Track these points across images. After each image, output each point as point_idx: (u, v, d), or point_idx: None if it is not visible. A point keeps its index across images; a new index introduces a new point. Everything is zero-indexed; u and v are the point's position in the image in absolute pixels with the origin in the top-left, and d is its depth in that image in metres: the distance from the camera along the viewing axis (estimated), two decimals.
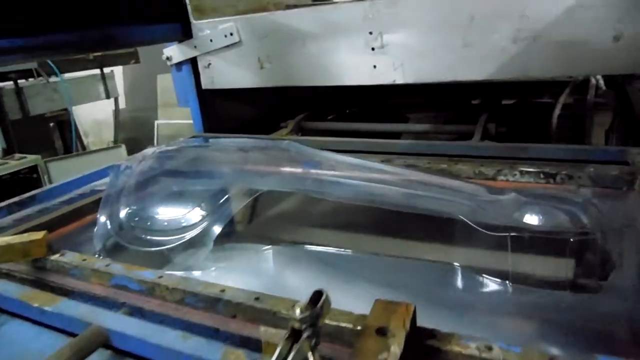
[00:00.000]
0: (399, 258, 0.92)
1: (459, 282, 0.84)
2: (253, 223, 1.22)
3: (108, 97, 4.09)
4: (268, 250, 0.99)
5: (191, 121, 5.50)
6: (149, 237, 1.01)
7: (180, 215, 1.06)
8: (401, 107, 2.20)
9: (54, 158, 3.40)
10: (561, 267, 0.78)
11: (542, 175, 1.15)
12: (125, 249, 1.04)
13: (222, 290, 0.76)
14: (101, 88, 3.93)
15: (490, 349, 0.57)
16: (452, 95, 2.19)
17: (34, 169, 2.83)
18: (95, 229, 1.06)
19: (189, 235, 1.01)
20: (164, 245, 1.00)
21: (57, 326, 0.78)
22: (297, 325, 0.51)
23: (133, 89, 5.56)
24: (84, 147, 4.68)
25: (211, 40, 1.83)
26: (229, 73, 1.84)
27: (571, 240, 0.76)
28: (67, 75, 3.49)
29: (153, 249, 0.99)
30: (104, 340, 0.71)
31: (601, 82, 2.14)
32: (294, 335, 0.51)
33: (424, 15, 1.44)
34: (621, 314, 0.71)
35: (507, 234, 0.78)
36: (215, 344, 0.66)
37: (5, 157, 2.85)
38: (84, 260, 0.92)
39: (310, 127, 1.92)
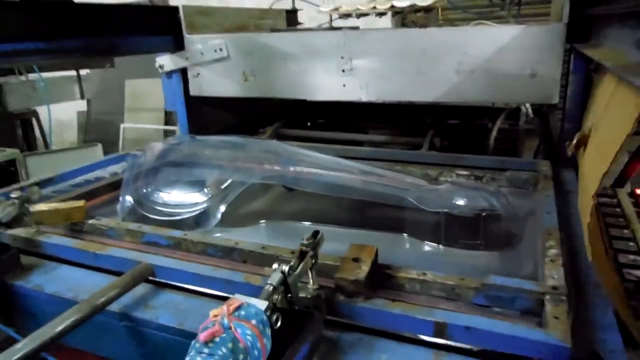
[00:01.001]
0: (363, 230, 1.22)
1: (407, 245, 1.16)
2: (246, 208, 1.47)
3: (82, 97, 4.23)
4: (262, 224, 1.27)
5: (157, 126, 5.64)
6: (165, 209, 1.27)
7: (189, 194, 1.32)
8: (364, 121, 2.53)
9: (33, 153, 3.50)
10: (477, 234, 1.10)
11: (472, 177, 1.48)
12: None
13: (236, 243, 1.03)
14: (76, 89, 4.07)
15: (424, 274, 0.88)
16: (408, 114, 2.54)
17: (11, 162, 2.96)
18: (119, 204, 1.30)
19: (197, 210, 1.27)
20: (177, 216, 1.25)
21: (106, 268, 1.03)
22: (303, 248, 0.80)
23: (100, 91, 5.66)
24: (46, 146, 4.75)
25: (202, 54, 2.08)
26: (216, 83, 2.09)
27: (484, 215, 1.09)
28: (45, 74, 3.63)
29: (168, 218, 1.25)
30: (150, 274, 0.96)
31: (530, 110, 2.55)
32: (301, 255, 0.80)
33: (386, 46, 1.77)
34: (512, 268, 1.04)
35: (441, 210, 1.10)
36: (236, 274, 0.93)
37: None
38: (118, 223, 1.16)
39: (286, 134, 2.20)
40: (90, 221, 1.18)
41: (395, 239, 1.19)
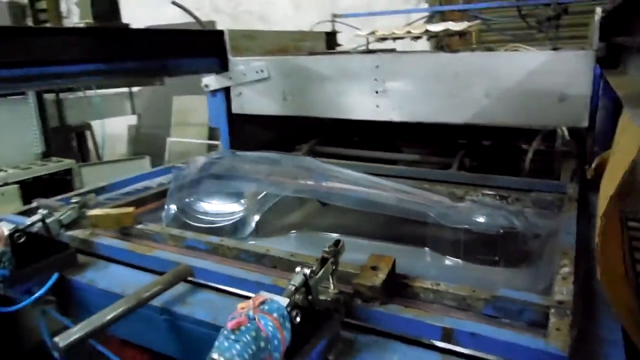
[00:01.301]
0: (388, 243, 1.29)
1: (428, 259, 1.22)
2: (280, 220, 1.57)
3: (134, 112, 4.51)
4: (293, 234, 1.36)
5: (201, 140, 5.86)
6: (204, 217, 1.38)
7: (227, 206, 1.43)
8: (399, 140, 2.59)
9: (87, 163, 3.76)
10: (495, 251, 1.15)
11: (497, 197, 1.53)
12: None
13: (267, 250, 1.12)
14: (128, 104, 4.35)
15: (438, 284, 0.94)
16: (442, 134, 2.59)
17: (68, 171, 3.20)
18: (164, 211, 1.43)
19: (233, 219, 1.38)
20: (216, 224, 1.36)
21: (151, 268, 1.14)
22: (325, 255, 0.88)
23: (149, 107, 5.97)
24: (99, 157, 5.06)
25: (244, 74, 2.22)
26: (257, 102, 2.22)
27: (502, 232, 1.14)
28: (100, 91, 3.90)
29: (206, 225, 1.36)
30: (189, 274, 1.07)
31: (566, 132, 2.55)
32: (323, 261, 0.88)
33: (419, 69, 1.84)
34: (528, 284, 1.08)
35: (462, 226, 1.16)
36: (266, 277, 1.02)
37: (44, 159, 3.22)
38: (162, 228, 1.28)
39: (321, 151, 2.30)
40: (138, 226, 1.30)
41: (417, 252, 1.26)
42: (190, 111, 5.71)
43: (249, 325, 0.69)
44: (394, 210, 1.26)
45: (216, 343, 0.68)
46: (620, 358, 0.82)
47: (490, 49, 3.00)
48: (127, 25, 3.33)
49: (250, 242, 1.30)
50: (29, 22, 3.38)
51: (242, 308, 0.72)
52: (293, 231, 1.42)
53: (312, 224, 1.53)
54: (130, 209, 1.31)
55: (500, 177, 1.69)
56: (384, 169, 1.92)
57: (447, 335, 0.81)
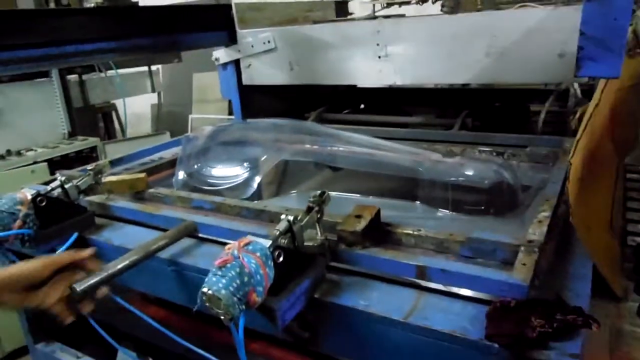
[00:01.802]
0: (383, 198, 1.37)
1: (419, 210, 1.29)
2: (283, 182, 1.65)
3: (154, 90, 4.63)
4: (294, 193, 1.45)
5: (222, 116, 5.96)
6: (211, 181, 1.47)
7: (231, 169, 1.52)
8: (407, 106, 2.63)
9: (110, 141, 3.92)
10: (482, 201, 1.21)
11: (494, 154, 1.57)
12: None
13: (265, 206, 1.21)
14: (148, 83, 4.47)
15: (419, 230, 1.01)
16: (452, 98, 2.61)
17: (93, 149, 3.35)
18: (174, 177, 1.53)
19: (236, 182, 1.47)
20: (221, 186, 1.46)
21: (160, 226, 1.24)
22: (310, 204, 0.96)
23: (171, 85, 6.10)
24: (124, 135, 5.23)
25: (252, 46, 2.28)
26: (265, 73, 2.28)
27: (489, 184, 1.19)
28: (120, 70, 4.02)
29: (213, 188, 1.45)
30: (194, 230, 1.16)
31: (578, 91, 2.52)
32: (308, 210, 0.96)
33: (418, 32, 1.87)
34: (514, 231, 1.13)
35: (450, 180, 1.22)
36: (262, 229, 1.11)
37: (70, 138, 3.38)
38: (172, 192, 1.38)
39: (329, 118, 2.36)
40: (150, 190, 1.40)
41: (410, 206, 1.32)
42: (210, 87, 5.81)
43: (234, 262, 0.77)
44: (386, 167, 1.32)
45: (206, 279, 0.77)
46: (586, 290, 0.87)
47: (499, 9, 2.97)
48: (135, 3, 3.40)
49: (254, 202, 1.39)
50: (52, 5, 3.49)
51: (229, 249, 0.80)
52: (293, 191, 1.50)
53: (320, 187, 1.61)
54: (143, 175, 1.42)
55: (499, 135, 1.72)
56: (388, 132, 1.97)
57: (421, 272, 0.88)
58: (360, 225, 0.97)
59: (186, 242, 1.17)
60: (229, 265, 0.77)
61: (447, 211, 1.27)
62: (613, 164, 1.52)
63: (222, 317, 0.76)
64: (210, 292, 0.75)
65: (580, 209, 0.99)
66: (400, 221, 1.08)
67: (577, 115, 1.27)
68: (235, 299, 0.75)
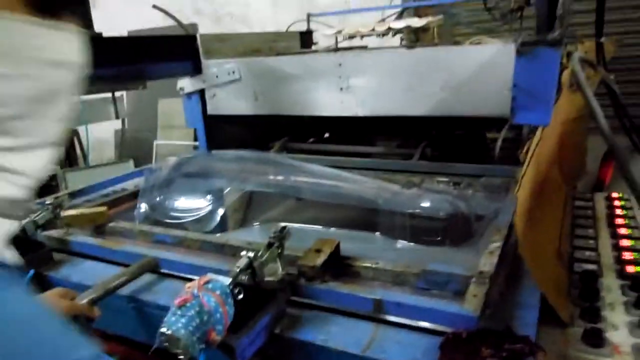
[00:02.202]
0: (344, 230, 1.40)
1: (379, 241, 1.33)
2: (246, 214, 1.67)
3: (117, 117, 4.58)
4: (256, 225, 1.46)
5: (188, 142, 5.92)
6: (173, 214, 1.47)
7: (194, 202, 1.52)
8: (371, 135, 2.69)
9: (72, 169, 3.85)
10: (438, 232, 1.26)
11: (451, 184, 1.63)
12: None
13: (227, 240, 1.22)
14: (112, 109, 4.43)
15: (377, 263, 1.04)
16: (415, 126, 2.68)
17: (53, 177, 3.29)
18: (136, 210, 1.52)
19: (199, 214, 1.47)
20: (184, 219, 1.46)
21: (121, 261, 1.23)
22: (271, 239, 0.98)
23: (135, 111, 6.04)
24: (86, 162, 5.13)
25: (217, 77, 2.31)
26: (230, 103, 2.30)
27: (444, 215, 1.24)
28: (84, 97, 3.98)
29: (175, 221, 1.45)
30: (155, 266, 1.16)
31: None
32: (268, 246, 0.98)
33: (379, 65, 1.94)
34: (469, 259, 1.18)
35: (407, 211, 1.26)
36: (224, 264, 1.12)
37: None
38: (133, 225, 1.38)
39: (293, 148, 2.40)
40: (111, 224, 1.39)
41: (369, 237, 1.36)
42: (176, 114, 5.78)
43: (193, 301, 0.78)
44: (346, 199, 1.36)
45: (165, 318, 0.78)
46: (533, 319, 0.92)
47: (456, 42, 3.10)
48: (100, 34, 3.39)
49: (217, 235, 1.40)
50: None
51: (189, 287, 0.81)
52: (258, 221, 1.51)
53: (284, 218, 1.63)
54: (103, 208, 1.41)
55: (456, 165, 1.79)
56: (351, 161, 2.02)
57: (377, 306, 0.91)
58: (320, 259, 1.00)
59: (147, 277, 1.17)
60: (188, 304, 0.78)
61: (406, 242, 1.31)
62: (562, 194, 1.60)
63: (181, 357, 0.76)
64: (169, 332, 0.76)
65: (529, 239, 1.04)
66: (361, 253, 1.12)
67: (525, 149, 1.34)
68: (194, 338, 0.76)
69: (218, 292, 0.81)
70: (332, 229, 1.42)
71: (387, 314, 0.91)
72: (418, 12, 4.20)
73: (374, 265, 1.03)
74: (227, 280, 0.84)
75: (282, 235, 0.99)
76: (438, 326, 0.88)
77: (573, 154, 1.92)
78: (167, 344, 0.76)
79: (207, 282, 0.82)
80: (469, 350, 0.80)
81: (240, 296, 0.85)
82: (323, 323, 0.94)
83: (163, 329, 0.76)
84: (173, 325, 0.76)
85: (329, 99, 2.06)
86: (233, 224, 1.50)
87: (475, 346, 0.80)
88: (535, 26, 1.04)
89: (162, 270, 1.18)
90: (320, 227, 1.44)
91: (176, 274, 1.16)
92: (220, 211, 1.47)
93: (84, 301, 0.98)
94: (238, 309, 0.84)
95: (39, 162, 0.57)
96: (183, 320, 0.76)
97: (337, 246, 1.06)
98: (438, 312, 0.86)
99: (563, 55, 1.12)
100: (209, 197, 1.50)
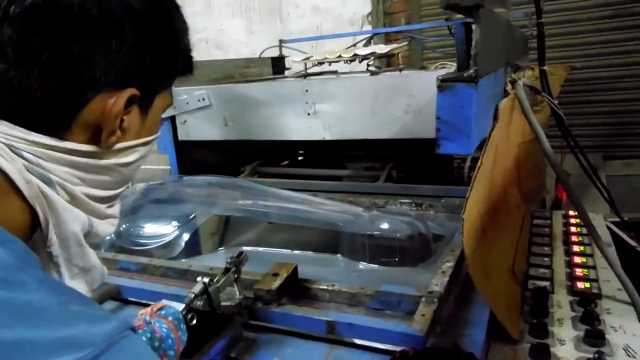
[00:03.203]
0: (307, 252, 1.43)
1: (342, 263, 1.36)
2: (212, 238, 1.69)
3: None
4: (221, 250, 1.48)
5: (163, 167, 5.90)
6: (139, 240, 1.49)
7: (160, 228, 1.54)
8: (340, 158, 2.75)
9: None
10: (395, 253, 1.30)
11: (413, 205, 1.68)
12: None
13: (190, 265, 1.24)
14: None
15: (333, 285, 1.07)
16: (381, 149, 2.75)
17: None
18: None
19: (165, 240, 1.49)
20: (149, 246, 1.47)
21: None
22: (227, 265, 1.00)
23: None
24: None
25: (187, 103, 2.34)
26: (201, 128, 2.33)
27: (401, 236, 1.28)
28: None
29: (141, 248, 1.46)
30: (117, 293, 1.17)
31: None
32: (225, 271, 1.00)
33: (344, 91, 2.00)
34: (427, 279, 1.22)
35: (366, 233, 1.30)
36: (186, 290, 1.13)
37: None
38: (98, 253, 1.38)
39: (263, 171, 2.43)
40: None
41: (334, 260, 1.39)
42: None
43: (145, 328, 0.80)
44: (310, 222, 1.40)
45: None
46: (481, 336, 0.96)
47: (423, 67, 3.20)
48: None
49: (182, 260, 1.42)
50: None
51: (142, 314, 0.83)
52: (221, 248, 1.54)
53: (257, 241, 1.66)
54: None
55: (419, 187, 1.84)
56: (321, 184, 2.06)
57: (330, 327, 0.94)
58: (276, 283, 1.02)
59: (109, 305, 1.17)
60: (140, 331, 0.79)
61: (367, 263, 1.35)
62: (520, 213, 1.66)
63: None
64: None
65: (479, 259, 1.09)
66: (321, 276, 1.14)
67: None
68: None
69: (170, 318, 0.83)
70: (297, 252, 1.45)
71: (340, 335, 0.94)
72: (389, 38, 4.33)
73: (330, 288, 1.06)
74: (180, 306, 0.86)
75: (238, 260, 1.02)
76: (389, 346, 0.91)
77: (532, 174, 2.00)
78: None
79: (160, 309, 0.84)
80: None
81: (194, 322, 0.87)
82: (279, 346, 0.97)
83: None
84: None
85: (297, 124, 2.10)
86: (211, 245, 1.53)
87: None
88: (456, 64, 1.13)
89: (125, 297, 1.19)
90: (288, 250, 1.47)
91: (138, 300, 1.17)
92: (185, 237, 1.49)
93: None
94: (193, 335, 0.86)
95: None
96: None
97: (295, 269, 1.09)
98: (388, 332, 0.89)
99: (507, 83, 1.18)
100: (174, 223, 1.52)
